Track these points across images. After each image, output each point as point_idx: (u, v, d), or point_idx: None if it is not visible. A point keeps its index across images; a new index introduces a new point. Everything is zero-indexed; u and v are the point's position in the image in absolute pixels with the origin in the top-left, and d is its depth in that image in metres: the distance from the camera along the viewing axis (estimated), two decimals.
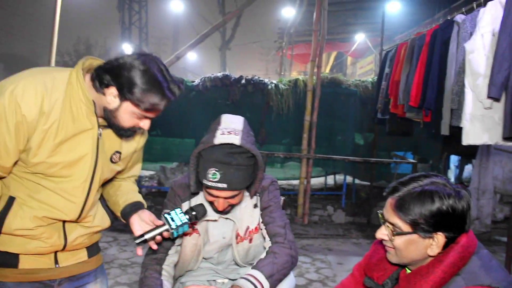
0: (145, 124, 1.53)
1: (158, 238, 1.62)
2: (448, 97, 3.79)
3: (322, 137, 6.77)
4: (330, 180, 8.60)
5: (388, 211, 1.37)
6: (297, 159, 6.83)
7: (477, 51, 3.34)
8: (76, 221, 1.62)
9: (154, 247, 1.65)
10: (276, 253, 1.79)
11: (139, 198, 1.76)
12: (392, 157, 7.25)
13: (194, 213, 1.66)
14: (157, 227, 1.62)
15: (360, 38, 11.36)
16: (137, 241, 1.58)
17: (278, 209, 1.93)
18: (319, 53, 6.33)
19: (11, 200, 1.52)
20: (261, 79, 6.73)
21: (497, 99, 3.14)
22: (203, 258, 1.98)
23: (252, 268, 1.74)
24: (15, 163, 1.49)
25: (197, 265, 1.97)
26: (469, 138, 3.45)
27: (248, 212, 1.90)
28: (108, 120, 1.51)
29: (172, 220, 1.63)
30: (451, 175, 9.38)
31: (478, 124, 3.38)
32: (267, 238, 1.87)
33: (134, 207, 1.71)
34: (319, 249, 5.22)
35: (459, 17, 3.84)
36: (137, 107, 1.44)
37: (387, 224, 1.37)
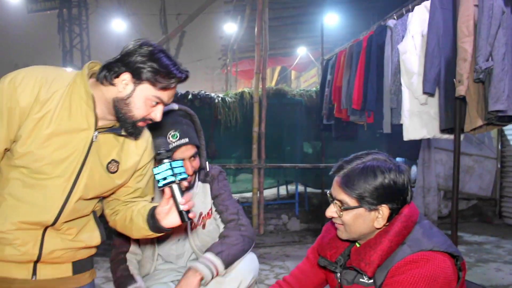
0: (157, 113, 1.50)
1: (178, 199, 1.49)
2: (387, 97, 3.99)
3: (272, 148, 6.87)
4: (283, 190, 8.70)
5: (335, 189, 1.44)
6: (249, 171, 6.88)
7: (409, 51, 3.56)
8: (53, 226, 1.52)
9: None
10: (226, 236, 1.88)
11: (151, 205, 1.65)
12: None
13: (160, 151, 1.52)
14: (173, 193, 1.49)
15: (302, 51, 11.66)
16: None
17: (230, 197, 2.02)
18: (262, 66, 6.47)
19: None
20: (207, 93, 6.79)
21: (431, 94, 3.34)
22: (161, 257, 1.99)
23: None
24: (3, 155, 1.45)
25: (154, 265, 1.97)
26: (409, 133, 3.64)
27: (200, 199, 1.97)
28: (119, 111, 1.46)
29: (159, 174, 1.48)
30: None
31: (416, 119, 3.58)
32: (222, 226, 1.92)
33: (153, 209, 1.59)
34: (276, 256, 5.26)
35: (391, 22, 4.09)
36: (153, 86, 1.43)
37: (335, 201, 1.44)
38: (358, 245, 1.48)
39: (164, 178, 1.45)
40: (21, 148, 1.42)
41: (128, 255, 1.96)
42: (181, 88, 6.57)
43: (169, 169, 1.45)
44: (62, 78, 1.47)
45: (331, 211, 1.46)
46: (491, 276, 4.42)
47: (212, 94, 6.87)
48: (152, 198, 1.77)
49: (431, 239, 1.37)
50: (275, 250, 5.61)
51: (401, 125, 3.76)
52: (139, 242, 1.98)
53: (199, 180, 2.02)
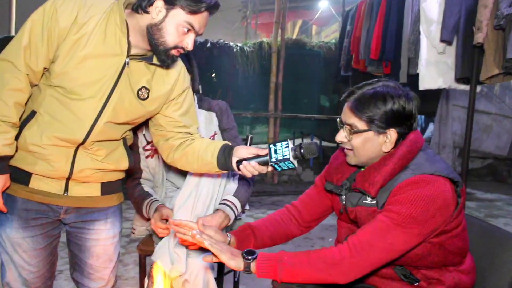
0: (189, 41, 1.54)
1: (258, 167, 1.57)
2: (405, 47, 3.98)
3: (288, 100, 6.91)
4: (298, 143, 8.79)
5: (345, 114, 1.50)
6: (265, 123, 6.96)
7: None
8: (84, 145, 1.61)
9: (248, 174, 1.61)
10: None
11: (222, 142, 1.71)
12: None
13: (302, 150, 1.53)
14: (258, 156, 1.57)
15: (323, 5, 11.45)
16: (240, 164, 1.59)
17: (237, 133, 2.14)
18: (282, 16, 6.42)
19: (32, 113, 1.57)
20: (226, 42, 6.79)
21: (449, 43, 3.33)
22: (170, 183, 2.16)
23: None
24: (42, 74, 1.55)
25: (164, 191, 2.12)
26: (425, 83, 3.65)
27: (203, 125, 2.06)
28: (152, 38, 1.51)
29: (276, 152, 1.53)
30: None
31: (433, 69, 3.58)
32: None
33: (227, 149, 1.67)
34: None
35: None
36: (184, 11, 1.48)
37: (345, 126, 1.51)
38: (363, 169, 1.55)
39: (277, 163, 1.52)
40: (58, 67, 1.50)
41: (141, 181, 2.12)
42: (200, 38, 6.59)
43: (286, 148, 1.53)
44: (100, 4, 1.54)
45: (341, 135, 1.53)
46: None
47: (231, 44, 6.88)
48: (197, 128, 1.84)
49: (434, 164, 1.44)
50: (287, 198, 5.76)
51: (418, 76, 3.77)
52: (149, 169, 2.12)
53: (201, 108, 2.12)
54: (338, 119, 1.56)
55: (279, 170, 1.56)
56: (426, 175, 1.40)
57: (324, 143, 7.83)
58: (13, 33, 7.07)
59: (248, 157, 1.58)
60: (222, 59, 6.65)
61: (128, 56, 1.57)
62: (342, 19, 6.34)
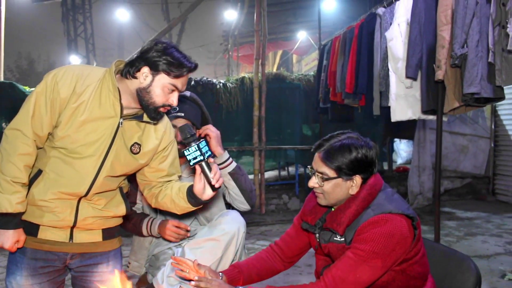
0: (174, 99, 1.76)
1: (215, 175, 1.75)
2: (376, 81, 4.26)
3: (272, 131, 7.17)
4: (283, 173, 9.01)
5: (317, 163, 1.73)
6: (251, 154, 7.17)
7: (396, 38, 3.82)
8: (86, 197, 1.82)
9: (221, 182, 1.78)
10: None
11: (186, 186, 1.89)
12: None
13: (189, 135, 1.73)
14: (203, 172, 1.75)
15: (302, 36, 11.83)
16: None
17: None
18: (262, 52, 6.71)
19: (39, 172, 1.79)
20: (209, 79, 7.05)
21: (414, 79, 3.61)
22: (162, 214, 2.33)
23: None
24: (47, 138, 1.76)
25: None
26: (396, 115, 3.92)
27: None
28: (142, 100, 1.74)
29: (189, 154, 1.71)
30: (397, 157, 10.02)
31: (402, 102, 3.86)
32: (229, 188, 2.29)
33: (191, 189, 1.84)
34: (277, 233, 5.58)
35: (380, 10, 4.34)
36: (168, 75, 1.72)
37: (317, 173, 1.73)
38: (333, 210, 1.77)
39: (195, 158, 1.72)
40: (61, 132, 1.73)
41: (134, 209, 2.36)
42: None
43: (196, 150, 1.70)
44: (94, 74, 1.78)
45: (313, 181, 1.75)
46: (476, 247, 4.72)
47: (214, 80, 7.14)
48: (179, 176, 2.06)
49: (391, 204, 1.67)
50: (275, 227, 5.93)
51: (390, 108, 4.03)
52: (143, 202, 2.35)
53: None
54: (309, 167, 1.78)
55: (200, 158, 1.71)
56: (384, 214, 1.64)
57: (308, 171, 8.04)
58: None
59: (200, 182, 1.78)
60: (205, 95, 6.89)
61: (121, 117, 1.79)
62: (318, 53, 6.65)
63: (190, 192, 1.84)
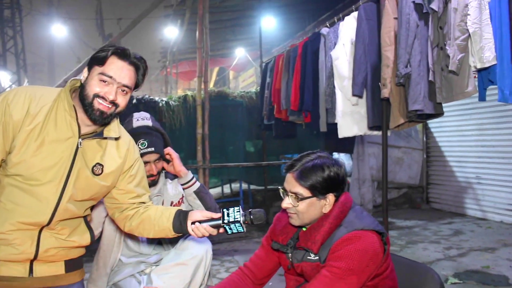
0: (109, 90, 1.65)
1: (209, 229, 1.75)
2: (322, 99, 4.38)
3: (216, 148, 7.14)
4: (227, 189, 8.99)
5: (290, 183, 1.75)
6: (194, 172, 7.10)
7: (341, 57, 3.96)
8: (48, 226, 1.69)
9: (199, 235, 1.78)
10: None
11: (176, 208, 1.86)
12: (281, 160, 7.84)
13: (251, 216, 1.76)
14: (212, 219, 1.75)
15: (240, 53, 11.98)
16: (191, 225, 1.76)
17: None
18: (204, 69, 6.70)
19: None
20: (151, 97, 6.94)
21: (360, 96, 3.76)
22: (125, 244, 2.26)
23: None
24: (0, 165, 1.62)
25: (119, 253, 2.22)
26: (342, 131, 4.05)
27: (172, 191, 2.34)
28: (82, 97, 1.66)
29: (228, 215, 1.73)
30: None
31: (349, 119, 3.99)
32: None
33: (182, 214, 1.81)
34: (225, 252, 5.54)
35: (324, 30, 4.48)
36: (98, 65, 1.65)
37: (290, 194, 1.75)
38: (304, 229, 1.80)
39: (229, 224, 1.73)
40: (15, 157, 1.61)
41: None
42: None
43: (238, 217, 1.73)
44: (48, 94, 1.69)
45: (287, 202, 1.76)
46: (419, 255, 4.94)
47: (156, 98, 7.04)
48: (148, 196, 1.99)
49: (362, 221, 1.72)
50: (223, 246, 5.88)
51: (336, 123, 4.16)
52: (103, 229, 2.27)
53: (168, 178, 2.41)
54: (280, 188, 1.80)
55: (229, 232, 1.76)
56: (357, 231, 1.68)
57: (253, 187, 8.09)
58: None
59: (202, 220, 1.77)
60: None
61: (79, 137, 1.70)
62: (261, 71, 6.75)
63: (181, 214, 1.80)
